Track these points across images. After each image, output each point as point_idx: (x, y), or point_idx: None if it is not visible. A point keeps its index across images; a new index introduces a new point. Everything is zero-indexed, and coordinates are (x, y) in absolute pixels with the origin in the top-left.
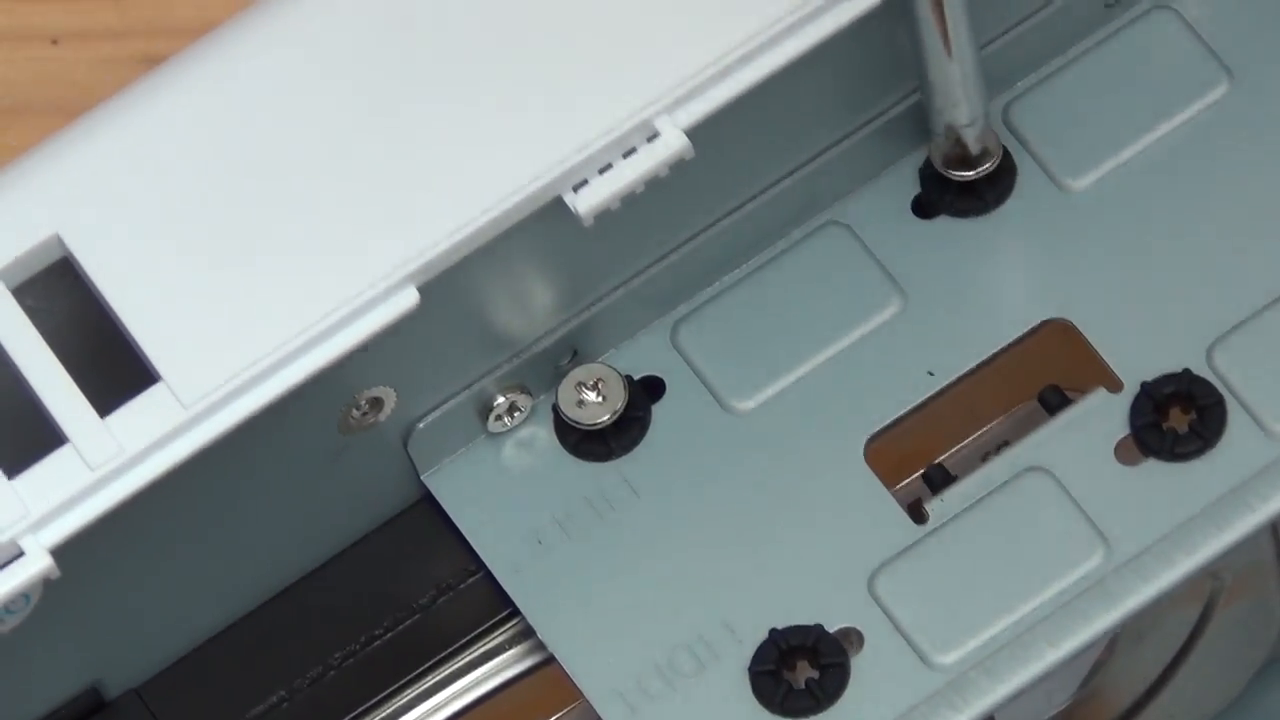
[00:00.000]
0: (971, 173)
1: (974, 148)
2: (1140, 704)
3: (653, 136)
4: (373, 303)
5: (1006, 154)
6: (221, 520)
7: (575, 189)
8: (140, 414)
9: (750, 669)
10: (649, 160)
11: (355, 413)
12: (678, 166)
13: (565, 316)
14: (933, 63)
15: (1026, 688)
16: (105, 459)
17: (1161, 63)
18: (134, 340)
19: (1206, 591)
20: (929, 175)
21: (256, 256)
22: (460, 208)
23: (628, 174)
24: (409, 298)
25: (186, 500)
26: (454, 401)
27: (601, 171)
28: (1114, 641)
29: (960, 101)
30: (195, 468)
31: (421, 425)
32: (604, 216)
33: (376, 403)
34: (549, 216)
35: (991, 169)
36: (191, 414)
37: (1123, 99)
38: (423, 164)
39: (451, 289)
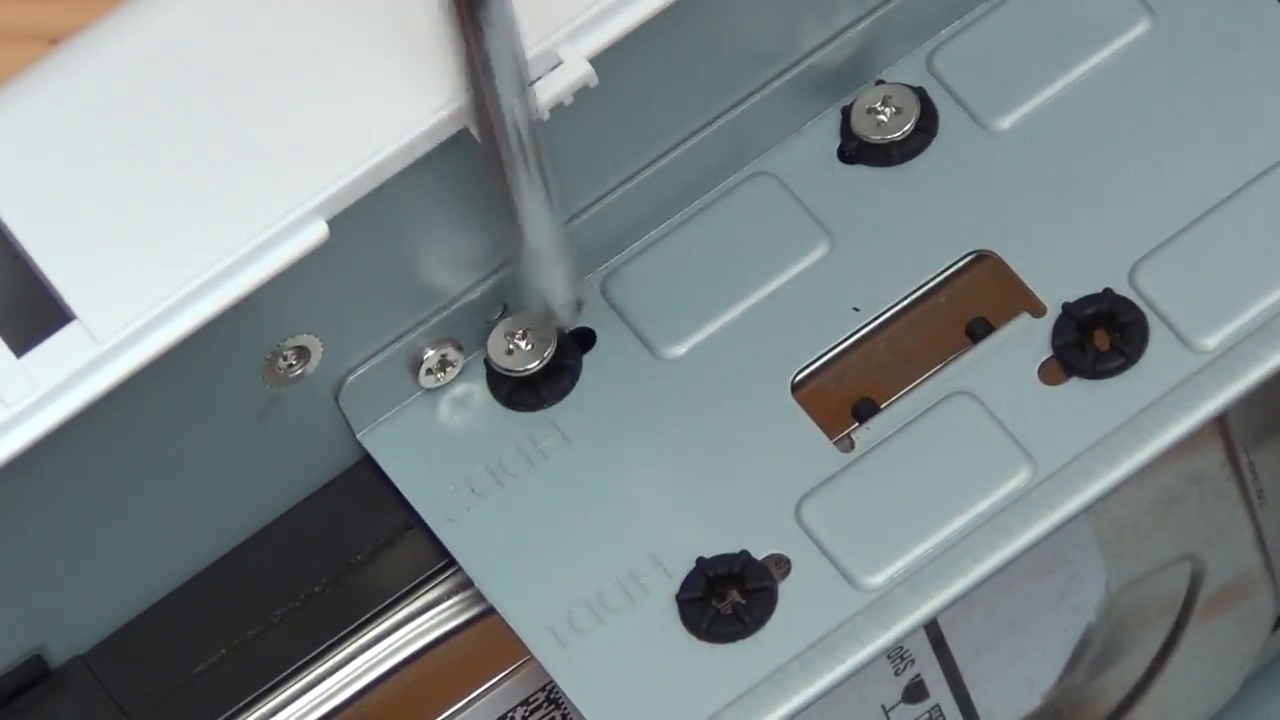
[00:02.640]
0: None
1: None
2: (1130, 701)
3: (556, 65)
4: (282, 235)
5: (925, 111)
6: (154, 476)
7: None
8: (55, 352)
9: (678, 598)
10: (552, 87)
11: (281, 363)
12: (584, 96)
13: (491, 267)
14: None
15: (951, 603)
16: (20, 396)
17: (1083, 3)
18: (49, 283)
19: (1187, 577)
20: (847, 131)
21: (167, 198)
22: (365, 141)
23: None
24: (318, 230)
25: (114, 449)
26: (383, 355)
27: None
28: (1085, 646)
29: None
30: (115, 409)
31: (351, 379)
32: None
33: (303, 352)
34: (459, 153)
35: None
36: (105, 349)
37: (1045, 40)
38: (328, 101)
39: (363, 226)
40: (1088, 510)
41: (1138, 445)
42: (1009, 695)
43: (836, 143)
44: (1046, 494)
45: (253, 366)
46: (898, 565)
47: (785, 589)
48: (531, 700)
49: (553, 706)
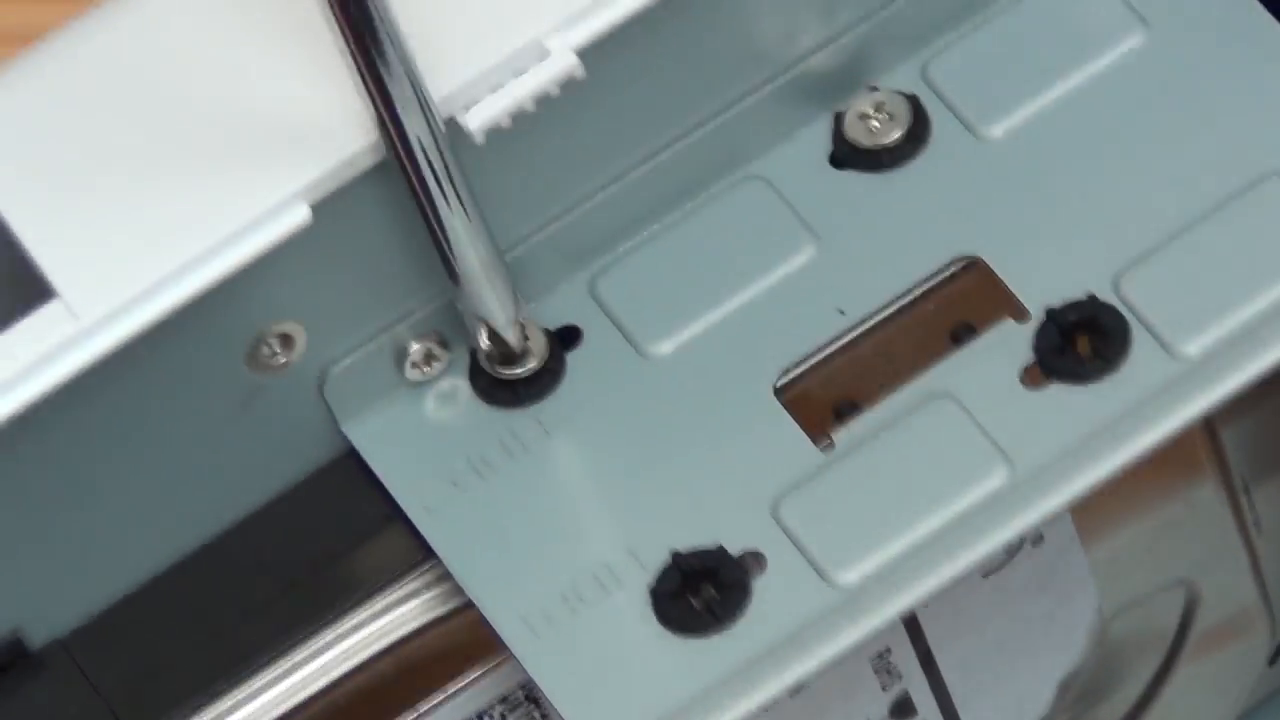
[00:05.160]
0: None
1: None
2: None
3: (544, 56)
4: (265, 218)
5: (918, 118)
6: (136, 460)
7: (467, 108)
8: (35, 328)
9: (652, 590)
10: (538, 77)
11: (265, 350)
12: (572, 90)
13: None
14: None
15: (924, 601)
16: None
17: (1080, 13)
18: (32, 259)
19: (1181, 604)
20: (839, 136)
21: (153, 180)
22: (350, 128)
23: (518, 91)
24: (300, 214)
25: (95, 430)
26: (368, 347)
27: (493, 91)
28: (1078, 672)
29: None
30: (96, 388)
31: (336, 370)
32: (503, 144)
33: (287, 340)
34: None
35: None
36: (84, 325)
37: (1040, 51)
38: (315, 89)
39: (347, 213)
40: (1079, 537)
41: (1115, 448)
42: (999, 717)
43: (828, 148)
44: (1022, 495)
45: (236, 352)
46: (872, 563)
47: (759, 585)
48: (510, 698)
49: (532, 704)
